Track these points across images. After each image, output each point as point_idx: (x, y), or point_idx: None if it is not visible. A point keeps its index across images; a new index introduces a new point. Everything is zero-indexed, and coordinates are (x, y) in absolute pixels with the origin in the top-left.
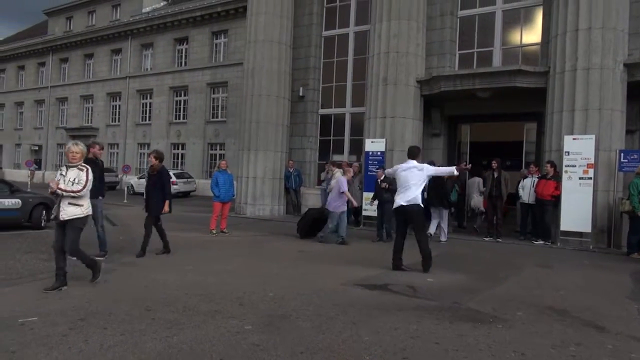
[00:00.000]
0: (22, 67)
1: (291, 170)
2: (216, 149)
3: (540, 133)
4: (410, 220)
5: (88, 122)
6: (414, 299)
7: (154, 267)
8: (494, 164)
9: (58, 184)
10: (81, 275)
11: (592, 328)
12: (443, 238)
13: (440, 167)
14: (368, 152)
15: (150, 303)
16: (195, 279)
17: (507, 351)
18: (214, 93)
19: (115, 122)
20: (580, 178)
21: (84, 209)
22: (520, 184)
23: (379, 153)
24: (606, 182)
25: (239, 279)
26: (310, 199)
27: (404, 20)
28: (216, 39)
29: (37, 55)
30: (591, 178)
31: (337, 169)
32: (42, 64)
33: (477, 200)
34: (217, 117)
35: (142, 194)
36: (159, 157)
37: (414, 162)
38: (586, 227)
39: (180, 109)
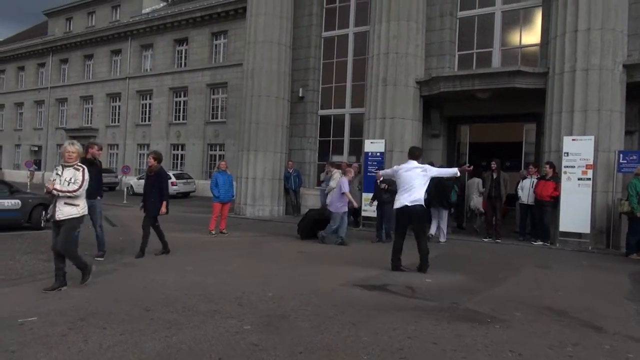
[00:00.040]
0: (21, 68)
1: (291, 171)
2: (216, 150)
3: (540, 134)
4: (413, 220)
5: (88, 123)
6: (412, 299)
7: (153, 267)
8: (493, 165)
9: (54, 185)
10: (81, 275)
11: (590, 328)
12: (442, 239)
13: (443, 168)
14: (367, 152)
15: (149, 303)
16: (194, 279)
17: (505, 351)
18: (213, 94)
19: (115, 122)
20: (579, 179)
21: (79, 208)
22: (519, 185)
23: (378, 154)
24: (605, 183)
25: (238, 280)
26: (310, 199)
27: (403, 21)
28: (216, 39)
29: (37, 56)
30: (590, 179)
31: (335, 170)
32: (42, 65)
33: (476, 201)
34: (216, 117)
35: (141, 194)
36: (158, 158)
37: (415, 163)
38: (585, 228)
39: (180, 109)
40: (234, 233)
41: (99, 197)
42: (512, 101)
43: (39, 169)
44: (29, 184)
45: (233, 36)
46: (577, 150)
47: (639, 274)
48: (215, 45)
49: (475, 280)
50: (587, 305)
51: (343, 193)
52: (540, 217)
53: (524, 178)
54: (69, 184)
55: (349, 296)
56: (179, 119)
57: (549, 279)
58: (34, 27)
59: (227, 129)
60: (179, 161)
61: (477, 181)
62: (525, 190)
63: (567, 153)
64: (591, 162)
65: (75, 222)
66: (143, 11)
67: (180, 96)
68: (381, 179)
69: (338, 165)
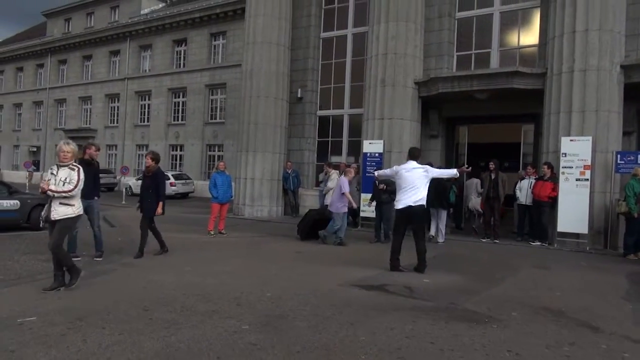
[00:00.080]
0: (20, 69)
1: (289, 172)
2: (214, 150)
3: (538, 134)
4: (414, 220)
5: (86, 124)
6: (410, 299)
7: (152, 267)
8: (492, 166)
9: (49, 185)
10: (81, 275)
11: (587, 328)
12: (440, 239)
13: (443, 169)
14: (366, 153)
15: (148, 303)
16: (193, 279)
17: (502, 351)
18: (212, 94)
19: (113, 123)
20: (577, 179)
21: (75, 208)
22: (517, 185)
23: (377, 154)
24: (603, 184)
25: (236, 280)
26: (309, 200)
27: (402, 21)
28: (215, 40)
29: (36, 56)
30: (588, 179)
31: (333, 171)
32: (41, 66)
33: (474, 202)
34: (215, 118)
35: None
36: (155, 158)
37: (415, 163)
38: (583, 228)
39: (178, 110)
40: (232, 233)
41: (96, 198)
42: (511, 102)
43: (37, 169)
44: (27, 184)
45: (232, 37)
46: (575, 151)
47: (636, 275)
48: (214, 46)
49: (473, 280)
50: (584, 305)
51: (343, 193)
52: (538, 218)
53: (522, 179)
54: (64, 184)
55: (347, 296)
56: (177, 120)
57: (546, 279)
58: (32, 28)
59: (226, 129)
60: (178, 162)
61: (475, 182)
62: (524, 190)
63: (565, 154)
64: (589, 163)
65: (70, 222)
66: (142, 12)
67: (179, 97)
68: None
69: (336, 166)
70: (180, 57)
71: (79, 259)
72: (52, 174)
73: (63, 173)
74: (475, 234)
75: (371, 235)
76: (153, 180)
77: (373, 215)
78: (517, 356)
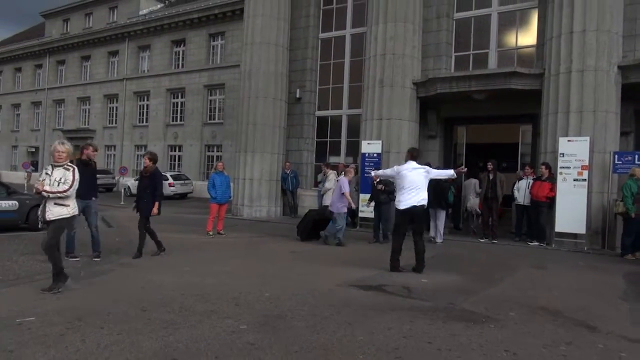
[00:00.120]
0: (19, 69)
1: (288, 172)
2: (213, 151)
3: (536, 135)
4: (415, 220)
5: (85, 124)
6: (408, 299)
7: (151, 268)
8: (490, 166)
9: (43, 186)
10: (80, 275)
11: (584, 328)
12: (439, 239)
13: (441, 170)
14: (364, 153)
15: (146, 303)
16: (191, 280)
17: (499, 350)
18: (211, 95)
19: (112, 124)
20: (574, 180)
21: (70, 209)
22: (515, 186)
23: (375, 155)
24: (600, 184)
25: (235, 280)
26: (307, 200)
27: (400, 22)
28: (213, 41)
29: (34, 57)
30: (585, 180)
31: (330, 171)
32: (39, 66)
33: (473, 202)
34: (214, 119)
35: None
36: (153, 158)
37: (414, 164)
38: (581, 228)
39: (177, 110)
40: (231, 234)
41: (94, 198)
42: (509, 102)
43: (36, 170)
44: (26, 185)
45: (230, 37)
46: (573, 151)
47: (633, 275)
48: (213, 47)
49: (471, 280)
50: (581, 305)
51: (343, 193)
52: (536, 218)
53: (520, 179)
54: (58, 184)
55: (345, 296)
56: (176, 120)
57: (544, 279)
58: (31, 29)
59: (225, 130)
60: (177, 162)
61: (474, 182)
62: (522, 191)
63: (563, 154)
64: (587, 163)
65: (65, 222)
66: (140, 12)
67: (177, 97)
68: (377, 179)
69: (334, 167)
70: (178, 58)
71: (77, 259)
72: (46, 174)
73: (58, 173)
74: (473, 234)
75: (370, 236)
76: (151, 181)
77: (371, 215)
78: (514, 356)
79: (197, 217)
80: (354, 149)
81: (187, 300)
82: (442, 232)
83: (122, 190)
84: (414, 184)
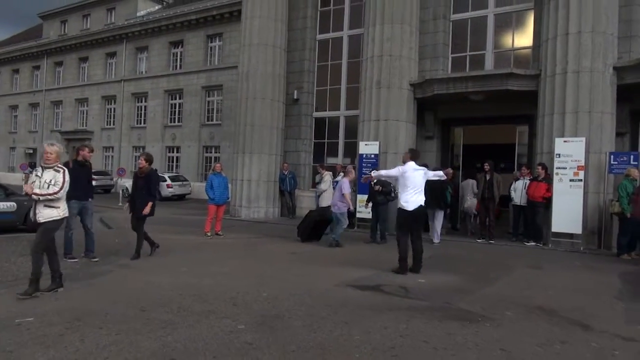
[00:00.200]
0: (16, 71)
1: (286, 173)
2: (211, 152)
3: (532, 135)
4: (420, 221)
5: (83, 126)
6: (405, 299)
7: (149, 269)
8: (486, 167)
9: (33, 189)
10: (78, 276)
11: (578, 327)
12: (436, 240)
13: (434, 172)
14: (362, 154)
15: (145, 304)
16: (189, 280)
17: (494, 349)
18: (208, 96)
19: (110, 125)
20: (570, 180)
21: (60, 210)
22: (512, 186)
23: (372, 156)
24: (596, 184)
25: (233, 280)
26: (305, 201)
27: (397, 24)
28: (211, 42)
29: (32, 58)
30: (582, 180)
31: (326, 172)
32: (37, 68)
33: (470, 203)
34: (212, 120)
35: None
36: (149, 159)
37: (414, 164)
38: (577, 228)
39: (175, 112)
40: (229, 235)
41: (90, 199)
42: (505, 103)
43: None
44: (23, 186)
45: (228, 39)
46: (569, 152)
47: (629, 274)
48: (211, 48)
49: (468, 280)
50: (576, 304)
51: (343, 194)
52: (533, 218)
53: (517, 179)
54: (49, 186)
55: (342, 296)
56: (174, 122)
57: (540, 279)
58: (28, 30)
59: (223, 131)
60: (175, 163)
61: (471, 182)
62: (518, 191)
63: (559, 154)
64: (582, 164)
65: (55, 224)
66: (138, 14)
67: (175, 98)
68: (375, 180)
69: (329, 168)
70: (176, 59)
71: (75, 260)
72: (37, 175)
73: (48, 175)
74: (471, 234)
75: (367, 236)
76: (146, 182)
77: (369, 216)
78: (509, 354)
79: (195, 218)
80: (351, 150)
81: (185, 300)
82: (439, 232)
83: (120, 192)
84: (417, 184)
